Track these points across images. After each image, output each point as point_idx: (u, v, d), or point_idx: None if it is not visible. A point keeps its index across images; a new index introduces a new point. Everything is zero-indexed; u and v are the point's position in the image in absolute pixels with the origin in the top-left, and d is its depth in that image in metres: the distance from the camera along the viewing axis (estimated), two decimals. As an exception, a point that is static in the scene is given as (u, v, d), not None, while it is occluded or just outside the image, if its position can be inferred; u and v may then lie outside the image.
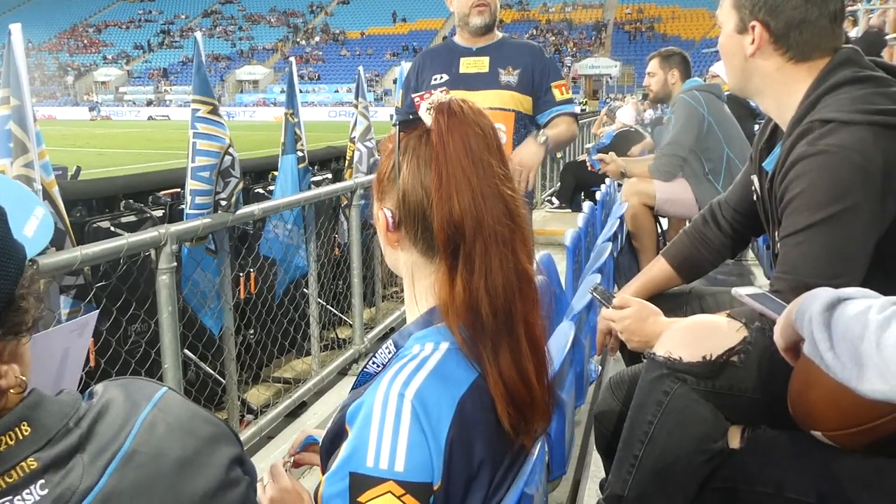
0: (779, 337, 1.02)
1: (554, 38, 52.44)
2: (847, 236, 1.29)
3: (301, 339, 3.43)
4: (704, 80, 4.42)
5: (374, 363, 1.04)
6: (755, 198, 1.67)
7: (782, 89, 1.47)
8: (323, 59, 56.10)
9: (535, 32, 53.50)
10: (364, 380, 1.04)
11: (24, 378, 0.68)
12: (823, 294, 0.89)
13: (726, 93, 3.89)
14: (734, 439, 1.25)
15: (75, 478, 0.65)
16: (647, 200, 3.70)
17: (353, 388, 1.07)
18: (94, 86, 56.29)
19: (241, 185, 2.52)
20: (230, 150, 2.48)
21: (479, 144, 0.96)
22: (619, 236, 3.46)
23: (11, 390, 0.67)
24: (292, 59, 3.48)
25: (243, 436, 2.61)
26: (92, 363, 2.29)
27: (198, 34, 2.55)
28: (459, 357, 0.94)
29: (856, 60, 1.41)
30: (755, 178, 1.65)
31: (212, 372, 2.82)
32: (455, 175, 0.93)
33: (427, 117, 0.97)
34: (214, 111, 2.46)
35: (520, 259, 0.96)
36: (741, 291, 1.22)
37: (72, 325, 0.93)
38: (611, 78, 43.66)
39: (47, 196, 1.93)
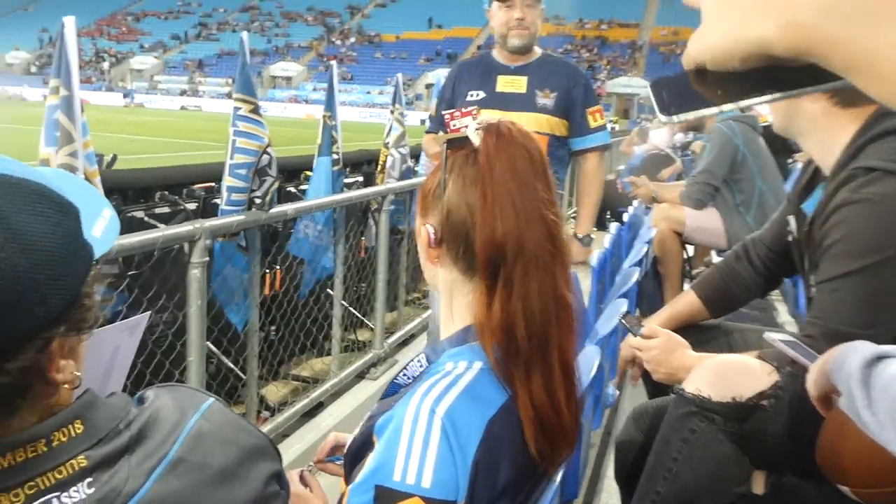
0: (812, 386, 1.02)
1: (588, 54, 52.37)
2: (883, 287, 1.29)
3: (322, 339, 3.45)
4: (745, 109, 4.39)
5: (404, 375, 1.05)
6: (790, 239, 1.66)
7: (826, 133, 1.46)
8: (357, 60, 56.47)
9: (569, 48, 53.48)
10: (394, 390, 1.05)
11: (78, 374, 0.70)
12: (863, 349, 0.89)
13: (763, 124, 3.86)
14: (758, 484, 1.24)
15: (121, 479, 0.66)
16: (676, 227, 3.69)
17: (381, 398, 1.08)
18: (130, 73, 57.09)
19: (276, 185, 2.55)
20: (268, 149, 2.51)
21: (526, 167, 0.97)
22: (645, 261, 3.45)
23: (65, 385, 0.69)
24: (333, 62, 3.51)
25: (259, 433, 2.63)
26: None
27: (244, 34, 2.58)
28: (491, 378, 0.94)
29: None
30: (792, 219, 1.65)
31: (233, 367, 2.85)
32: (500, 196, 0.94)
33: (475, 137, 0.98)
34: (255, 110, 2.49)
35: (558, 284, 0.97)
36: (774, 337, 1.22)
37: (123, 325, 0.95)
38: (642, 98, 43.45)
39: (89, 185, 1.97)
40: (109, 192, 2.68)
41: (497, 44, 2.75)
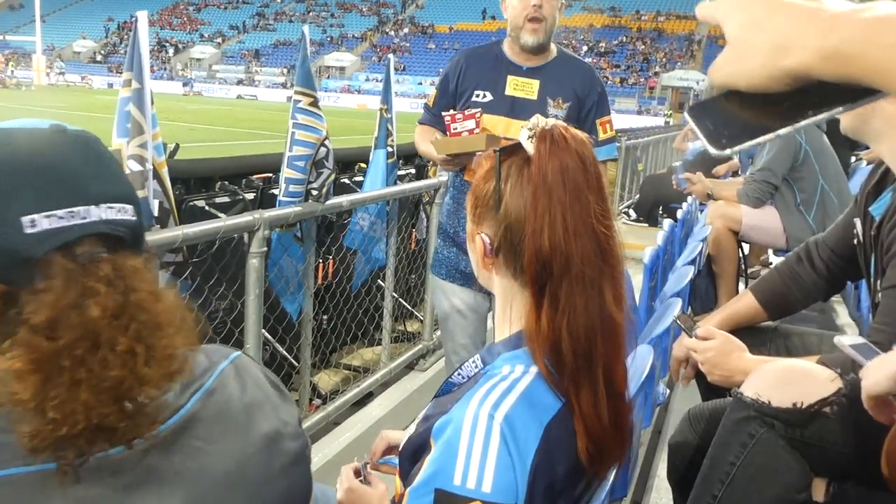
0: (871, 388, 0.99)
1: (643, 46, 51.41)
2: None
3: (373, 329, 3.50)
4: None
5: (459, 374, 1.05)
6: (856, 242, 1.62)
7: None
8: (410, 50, 56.59)
9: (624, 40, 52.58)
10: (448, 389, 1.06)
11: None
12: None
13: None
14: (819, 492, 1.22)
15: (171, 396, 0.77)
16: (732, 225, 3.61)
17: (436, 397, 1.08)
18: (190, 62, 58.40)
19: (332, 177, 2.59)
20: (326, 141, 2.55)
21: (578, 177, 0.95)
22: (699, 259, 3.39)
23: None
24: (391, 56, 3.54)
25: (311, 420, 2.69)
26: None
27: (305, 28, 2.62)
28: (548, 383, 0.94)
29: None
30: (858, 222, 1.60)
31: (287, 355, 2.92)
32: (550, 209, 0.93)
33: (528, 145, 0.97)
34: (314, 103, 2.53)
35: (606, 301, 0.95)
36: (844, 341, 1.18)
37: None
38: (700, 91, 42.32)
39: (157, 175, 2.03)
40: (173, 181, 2.76)
41: (509, 38, 2.48)
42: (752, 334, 1.79)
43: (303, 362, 2.75)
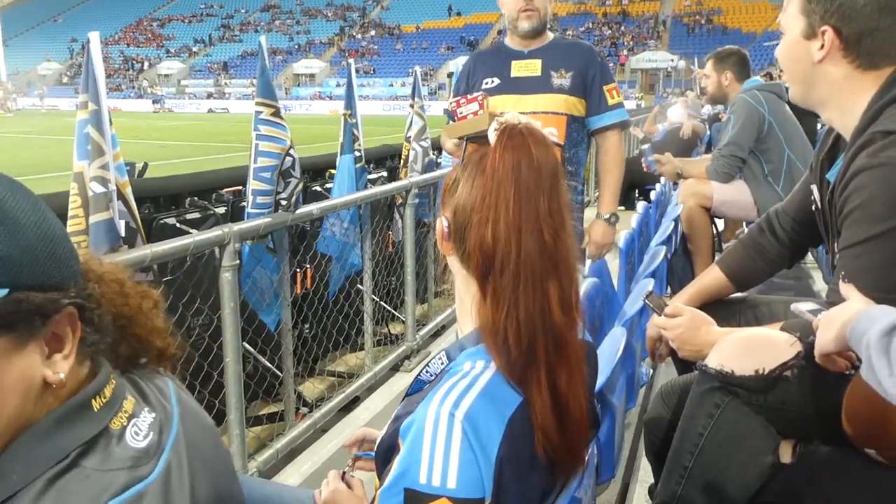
0: (824, 345, 1.02)
1: (610, 31, 51.62)
2: None
3: (355, 334, 3.50)
4: (775, 76, 4.28)
5: (427, 372, 1.06)
6: (814, 208, 1.65)
7: (847, 98, 1.44)
8: (378, 52, 56.43)
9: (590, 26, 52.77)
10: (418, 387, 1.07)
11: None
12: (883, 318, 0.89)
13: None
14: (786, 454, 1.24)
15: (161, 408, 0.83)
16: (703, 202, 3.65)
17: (407, 395, 1.10)
18: (158, 78, 57.83)
19: (300, 185, 2.59)
20: (291, 151, 2.55)
21: (529, 176, 0.95)
22: (674, 238, 3.43)
23: None
24: (352, 60, 3.54)
25: (298, 428, 2.69)
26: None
27: (262, 38, 2.62)
28: (506, 377, 0.95)
29: None
30: (815, 189, 1.63)
31: (270, 365, 2.91)
32: (497, 202, 0.94)
33: (493, 138, 0.97)
34: (277, 113, 2.53)
35: (550, 303, 0.95)
36: (801, 307, 1.21)
37: None
38: (674, 70, 42.26)
39: (121, 196, 2.03)
40: (142, 200, 2.75)
41: (508, 30, 2.77)
42: (721, 307, 1.82)
43: (286, 372, 2.75)
